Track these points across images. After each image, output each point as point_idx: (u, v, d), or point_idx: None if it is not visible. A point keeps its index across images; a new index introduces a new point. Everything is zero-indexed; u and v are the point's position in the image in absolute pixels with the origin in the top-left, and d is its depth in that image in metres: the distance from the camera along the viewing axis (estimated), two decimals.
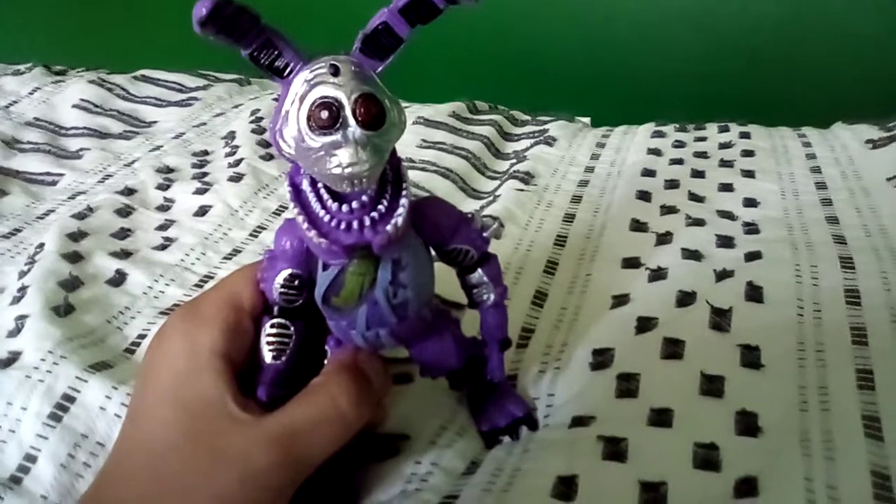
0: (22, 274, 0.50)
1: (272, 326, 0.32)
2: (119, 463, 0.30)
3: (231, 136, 0.73)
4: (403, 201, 0.27)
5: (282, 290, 0.30)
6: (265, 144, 0.70)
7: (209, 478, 0.28)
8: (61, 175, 0.68)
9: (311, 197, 0.28)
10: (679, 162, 0.62)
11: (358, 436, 0.31)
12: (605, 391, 0.37)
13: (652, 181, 0.59)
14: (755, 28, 1.02)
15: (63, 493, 0.36)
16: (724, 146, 0.65)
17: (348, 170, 0.25)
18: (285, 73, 0.26)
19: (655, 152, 0.64)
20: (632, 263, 0.48)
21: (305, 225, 0.27)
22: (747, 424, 0.33)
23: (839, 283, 0.42)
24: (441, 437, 0.37)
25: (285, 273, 0.30)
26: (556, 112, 0.80)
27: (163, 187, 0.64)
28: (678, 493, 0.30)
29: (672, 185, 0.58)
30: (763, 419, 0.33)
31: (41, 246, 0.53)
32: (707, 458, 0.31)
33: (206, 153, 0.71)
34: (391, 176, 0.28)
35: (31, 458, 0.37)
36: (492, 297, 0.34)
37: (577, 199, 0.58)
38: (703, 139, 0.67)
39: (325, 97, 0.25)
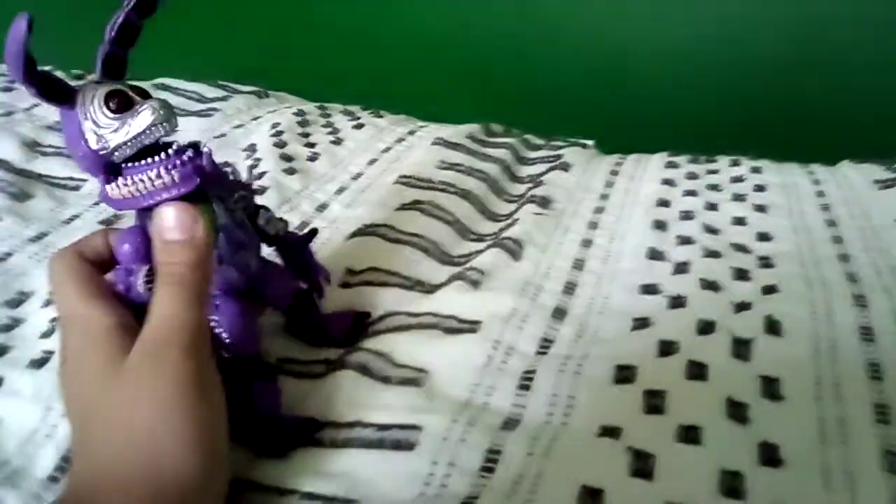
0: None
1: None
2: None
3: (252, 148, 0.74)
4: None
5: (148, 284, 0.34)
6: (287, 158, 0.72)
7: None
8: (84, 181, 0.69)
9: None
10: (693, 193, 0.63)
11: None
12: (631, 405, 0.38)
13: (667, 211, 0.61)
14: (763, 63, 1.05)
15: None
16: (736, 180, 0.66)
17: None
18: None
19: (669, 183, 0.66)
20: (650, 290, 0.49)
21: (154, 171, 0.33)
22: (769, 455, 0.34)
23: (854, 321, 0.43)
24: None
25: (143, 270, 0.34)
26: (562, 136, 0.82)
27: None
28: None
29: (687, 216, 0.59)
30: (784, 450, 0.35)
31: None
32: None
33: (227, 165, 0.72)
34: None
35: (69, 460, 0.38)
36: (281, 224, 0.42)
37: (593, 226, 0.60)
38: (714, 171, 0.68)
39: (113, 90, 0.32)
